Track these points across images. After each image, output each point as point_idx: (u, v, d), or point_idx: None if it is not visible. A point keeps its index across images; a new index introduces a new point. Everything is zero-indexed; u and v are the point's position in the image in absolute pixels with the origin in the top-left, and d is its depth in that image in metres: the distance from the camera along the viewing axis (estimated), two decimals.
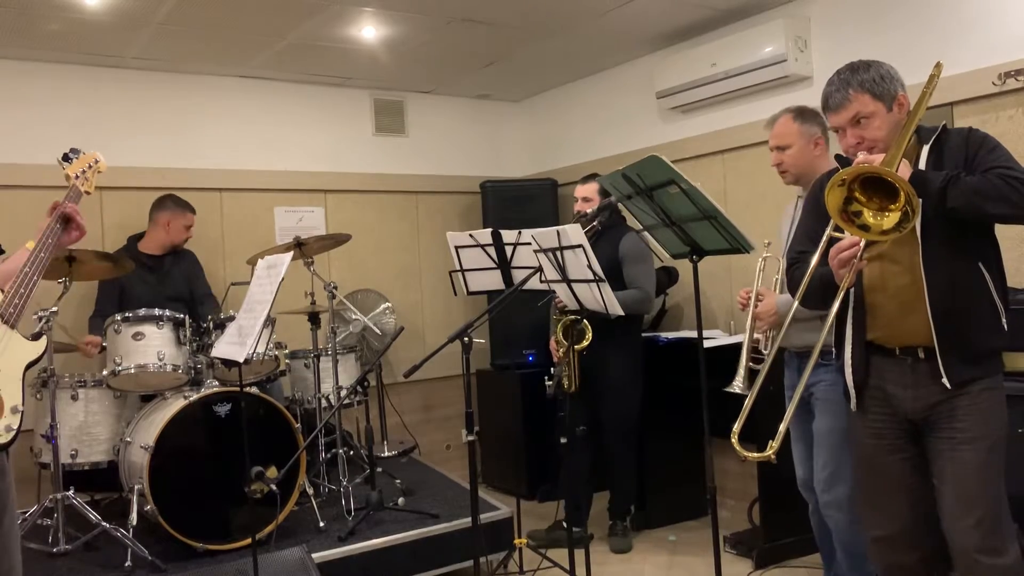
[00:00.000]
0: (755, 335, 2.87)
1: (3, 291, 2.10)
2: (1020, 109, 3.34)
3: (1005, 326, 2.17)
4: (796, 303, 2.25)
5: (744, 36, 4.20)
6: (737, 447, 2.12)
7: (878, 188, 1.95)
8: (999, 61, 3.35)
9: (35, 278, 2.14)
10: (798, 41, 4.05)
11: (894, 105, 2.18)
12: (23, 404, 2.06)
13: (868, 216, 1.98)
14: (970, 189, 1.99)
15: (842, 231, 2.08)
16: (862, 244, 2.05)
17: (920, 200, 1.92)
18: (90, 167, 2.45)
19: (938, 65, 2.17)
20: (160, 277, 4.37)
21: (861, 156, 2.10)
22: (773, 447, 2.07)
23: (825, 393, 2.81)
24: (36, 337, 2.16)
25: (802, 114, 2.94)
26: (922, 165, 2.15)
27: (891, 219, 1.94)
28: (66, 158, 2.44)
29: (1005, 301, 2.18)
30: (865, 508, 2.36)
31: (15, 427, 2.01)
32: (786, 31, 4.01)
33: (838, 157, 2.36)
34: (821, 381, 2.83)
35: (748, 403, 2.18)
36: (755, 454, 2.09)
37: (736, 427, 2.16)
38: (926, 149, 2.18)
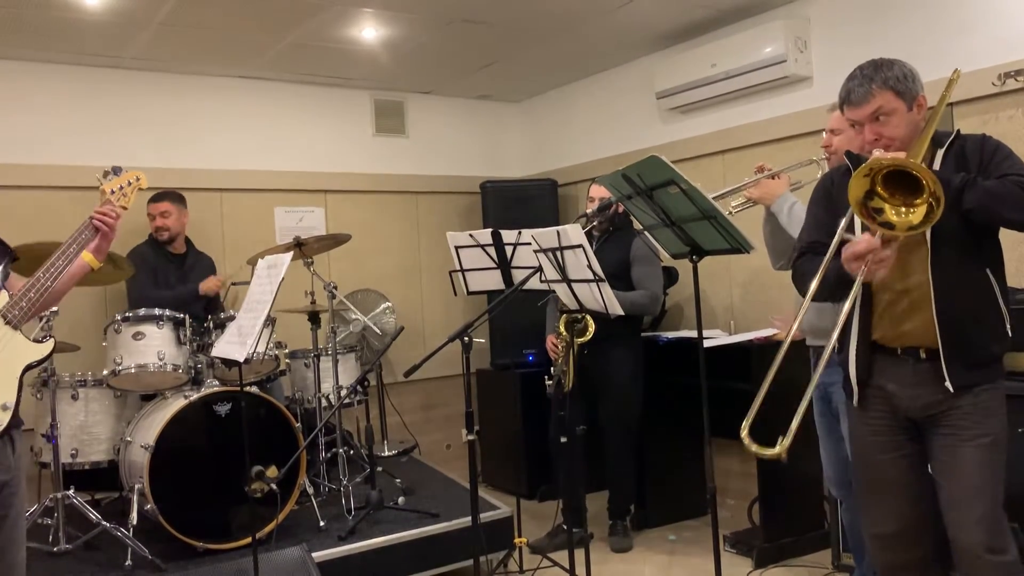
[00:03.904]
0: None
1: (12, 295, 2.11)
2: (1020, 109, 3.34)
3: (1009, 332, 2.18)
4: (807, 301, 2.23)
5: (744, 36, 4.21)
6: (747, 441, 2.03)
7: (899, 184, 1.95)
8: (999, 61, 3.35)
9: (48, 283, 2.17)
10: (798, 41, 4.05)
11: (914, 105, 2.18)
12: (16, 403, 2.07)
13: (890, 213, 1.98)
14: (987, 192, 2.01)
15: (853, 232, 2.09)
16: (878, 242, 2.04)
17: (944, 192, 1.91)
18: (129, 184, 2.52)
19: (956, 72, 2.19)
20: (182, 276, 4.40)
21: (877, 153, 2.09)
22: (784, 444, 1.98)
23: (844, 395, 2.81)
24: (44, 339, 2.17)
25: None
26: (936, 168, 2.15)
27: (918, 213, 1.93)
28: (106, 176, 2.50)
29: (1008, 306, 2.19)
30: (865, 506, 2.36)
31: (3, 423, 2.03)
32: (786, 31, 4.01)
33: (848, 154, 2.36)
34: (838, 382, 2.82)
35: (759, 398, 2.14)
36: (767, 450, 1.99)
37: (745, 423, 2.09)
38: (940, 153, 2.19)
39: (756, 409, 2.10)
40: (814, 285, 2.18)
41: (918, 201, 1.93)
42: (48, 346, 2.18)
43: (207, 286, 4.30)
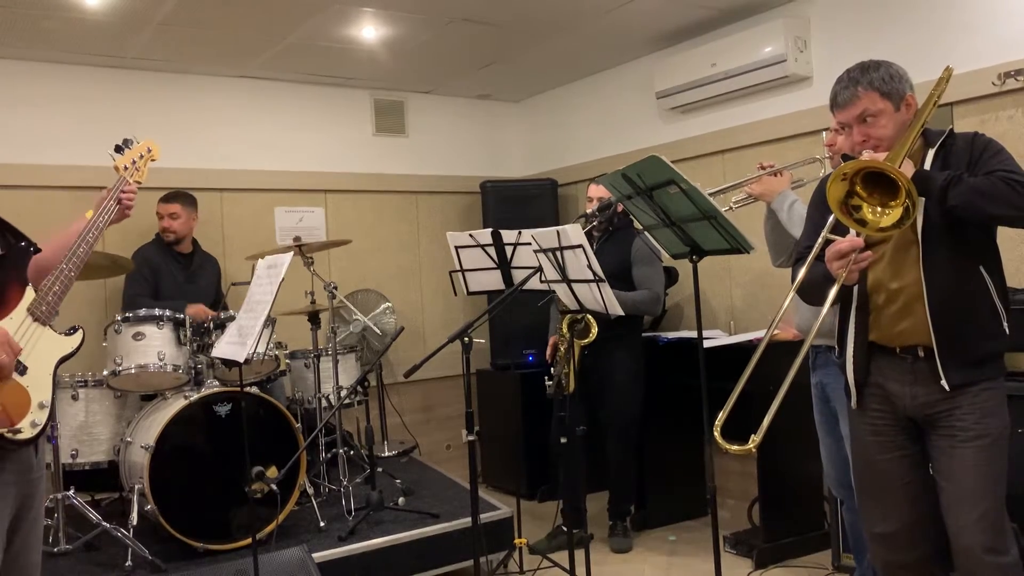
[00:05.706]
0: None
1: (38, 290, 2.10)
2: (1020, 109, 3.34)
3: (1007, 329, 2.17)
4: (792, 292, 2.25)
5: (744, 36, 4.21)
6: (719, 440, 2.10)
7: (879, 184, 1.96)
8: (999, 61, 3.35)
9: (72, 273, 2.14)
10: (798, 41, 4.05)
11: (902, 105, 2.19)
12: (52, 400, 2.05)
13: (867, 212, 1.99)
14: (972, 189, 2.01)
15: (839, 232, 2.09)
16: (861, 241, 2.05)
17: (921, 197, 1.92)
18: (141, 156, 2.46)
19: (947, 69, 2.19)
20: (189, 276, 4.41)
21: (866, 154, 2.11)
22: (755, 440, 2.05)
23: (842, 395, 2.81)
24: (72, 331, 2.15)
25: None
26: (927, 167, 2.16)
27: (892, 216, 1.94)
28: (118, 149, 2.44)
29: (1006, 304, 2.18)
30: (865, 506, 2.36)
31: (41, 422, 2.01)
32: (786, 31, 4.01)
33: (844, 157, 2.37)
34: (836, 382, 2.82)
35: (734, 395, 2.16)
36: (736, 446, 2.06)
37: (719, 419, 2.13)
38: (932, 152, 2.19)
39: (730, 406, 2.14)
40: (798, 281, 2.19)
41: (894, 203, 1.94)
42: (78, 337, 2.15)
43: (194, 311, 4.12)
